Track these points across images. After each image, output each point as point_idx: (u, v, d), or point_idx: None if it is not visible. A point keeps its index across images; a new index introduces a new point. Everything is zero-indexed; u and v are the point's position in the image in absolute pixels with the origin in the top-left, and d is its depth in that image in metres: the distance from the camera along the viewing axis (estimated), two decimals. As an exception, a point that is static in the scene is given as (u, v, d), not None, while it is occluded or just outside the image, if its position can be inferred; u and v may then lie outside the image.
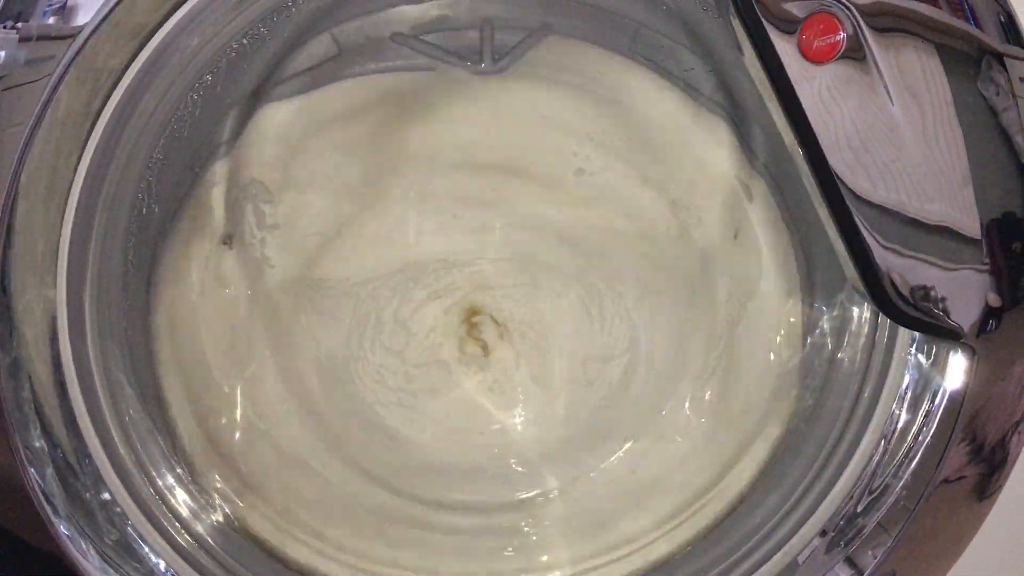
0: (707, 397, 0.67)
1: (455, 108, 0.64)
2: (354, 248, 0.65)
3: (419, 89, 0.63)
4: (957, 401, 0.56)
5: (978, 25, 0.52)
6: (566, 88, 0.64)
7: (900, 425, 0.59)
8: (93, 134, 0.52)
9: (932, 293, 0.53)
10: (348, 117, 0.62)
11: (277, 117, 0.61)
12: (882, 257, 0.52)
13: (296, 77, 0.61)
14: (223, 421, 0.63)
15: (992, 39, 0.52)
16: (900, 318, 0.54)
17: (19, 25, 0.49)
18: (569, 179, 0.65)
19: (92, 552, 0.53)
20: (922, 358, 0.58)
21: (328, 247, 0.65)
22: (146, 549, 0.57)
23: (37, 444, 0.52)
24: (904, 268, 0.52)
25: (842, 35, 0.49)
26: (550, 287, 0.66)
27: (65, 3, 0.49)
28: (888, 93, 0.50)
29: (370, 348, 0.66)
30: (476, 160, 0.65)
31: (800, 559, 0.60)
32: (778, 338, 0.65)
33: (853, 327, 0.63)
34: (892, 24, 0.50)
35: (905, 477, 0.58)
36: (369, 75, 0.62)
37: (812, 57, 0.49)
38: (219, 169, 0.61)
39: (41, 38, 0.49)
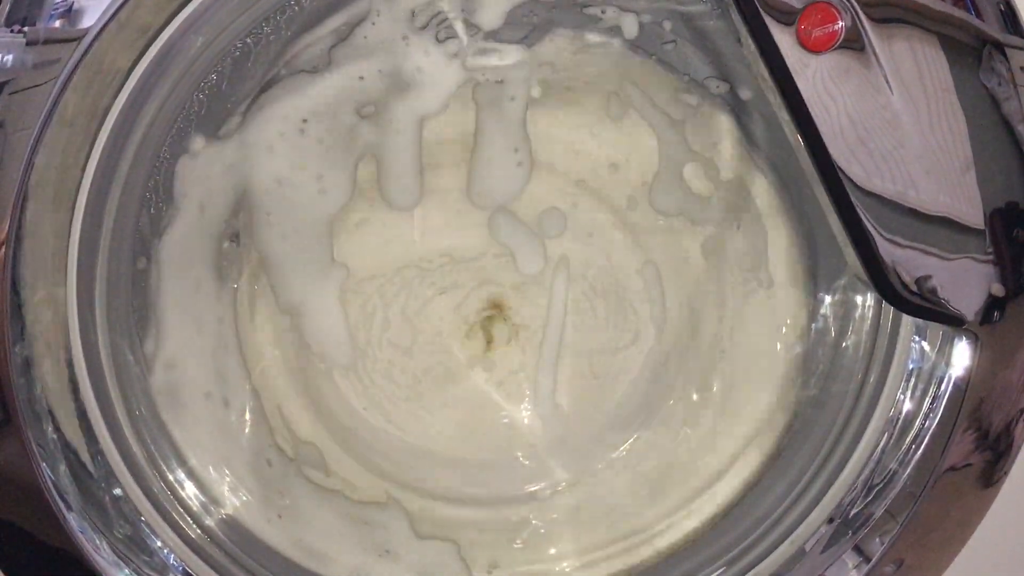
0: (714, 388, 0.67)
1: (459, 102, 0.64)
2: (359, 244, 0.65)
3: (424, 84, 0.63)
4: (961, 388, 0.56)
5: (978, 15, 0.52)
6: (568, 82, 0.64)
7: (905, 412, 0.59)
8: (100, 134, 0.53)
9: (934, 282, 0.53)
10: (352, 114, 0.63)
11: (281, 115, 0.61)
12: (884, 247, 0.52)
13: (301, 75, 0.61)
14: (232, 418, 0.63)
15: (992, 29, 0.52)
16: (903, 306, 0.54)
17: (26, 29, 0.50)
18: (572, 172, 0.66)
19: (105, 547, 0.54)
20: (926, 345, 0.58)
21: (333, 243, 0.65)
22: (158, 543, 0.58)
23: (49, 440, 0.53)
24: (905, 258, 0.53)
25: (840, 24, 0.49)
26: (555, 281, 0.67)
27: (71, 6, 0.50)
28: (888, 82, 0.51)
29: (377, 345, 0.66)
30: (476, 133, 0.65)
31: (807, 547, 0.60)
32: (783, 327, 0.65)
33: (857, 314, 0.63)
34: (891, 14, 0.50)
35: (911, 464, 0.58)
36: (374, 72, 0.62)
37: (811, 47, 0.49)
38: (225, 166, 0.62)
39: (48, 41, 0.49)
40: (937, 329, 0.58)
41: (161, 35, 0.52)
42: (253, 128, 0.60)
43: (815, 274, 0.64)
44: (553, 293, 0.67)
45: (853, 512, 0.59)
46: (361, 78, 0.61)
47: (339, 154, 0.62)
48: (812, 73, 0.50)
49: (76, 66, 0.49)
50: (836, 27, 0.49)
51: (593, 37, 0.62)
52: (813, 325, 0.65)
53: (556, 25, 0.62)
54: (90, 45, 0.49)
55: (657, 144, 0.64)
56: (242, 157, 0.61)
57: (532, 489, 0.68)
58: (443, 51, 0.61)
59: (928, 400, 0.58)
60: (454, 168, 0.65)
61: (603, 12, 0.62)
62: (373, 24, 0.60)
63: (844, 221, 0.52)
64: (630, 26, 0.62)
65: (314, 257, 0.64)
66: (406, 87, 0.62)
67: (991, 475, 0.58)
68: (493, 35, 0.61)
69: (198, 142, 0.59)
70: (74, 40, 0.49)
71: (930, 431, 0.57)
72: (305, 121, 0.61)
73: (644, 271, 0.67)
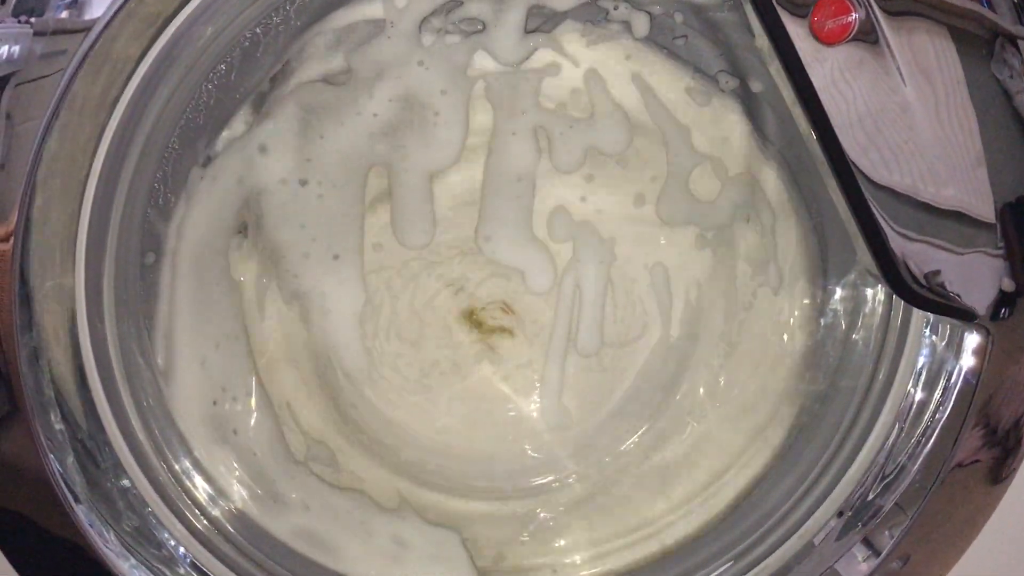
0: (721, 381, 0.67)
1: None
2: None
3: (434, 75, 0.63)
4: (972, 382, 0.56)
5: (991, 7, 0.51)
6: (578, 73, 0.64)
7: (915, 406, 0.59)
8: (109, 125, 0.53)
9: (945, 277, 0.53)
10: (361, 105, 0.62)
11: (289, 106, 0.61)
12: (895, 240, 0.52)
13: (310, 59, 0.61)
14: (239, 408, 0.63)
15: (1005, 21, 0.52)
16: (914, 300, 0.54)
17: (33, 19, 0.49)
18: (581, 166, 0.65)
19: (112, 538, 0.54)
20: (936, 339, 0.58)
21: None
22: (165, 534, 0.58)
23: (56, 431, 0.53)
24: (916, 252, 0.52)
25: (854, 16, 0.49)
26: (563, 275, 0.66)
27: (78, -4, 0.50)
28: (900, 75, 0.50)
29: (384, 338, 0.66)
30: (489, 147, 0.65)
31: (816, 540, 0.60)
32: (792, 320, 0.65)
33: (867, 308, 0.63)
34: (904, 7, 0.50)
35: (920, 458, 0.58)
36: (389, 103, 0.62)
37: (824, 39, 0.49)
38: (233, 158, 0.61)
39: (56, 32, 0.49)
40: (947, 323, 0.57)
41: (170, 25, 0.52)
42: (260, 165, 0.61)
43: (825, 268, 0.64)
44: (561, 286, 0.67)
45: (863, 505, 0.59)
46: (375, 115, 0.62)
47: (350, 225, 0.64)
48: (825, 65, 0.49)
49: (84, 57, 0.49)
50: (850, 19, 0.49)
51: (603, 31, 0.62)
52: (822, 319, 0.65)
53: (568, 19, 0.62)
54: (98, 35, 0.49)
55: (665, 156, 0.64)
56: (245, 185, 0.61)
57: (540, 482, 0.68)
58: (460, 90, 0.62)
59: (938, 394, 0.58)
60: (462, 161, 0.65)
61: (615, 7, 0.61)
62: (389, 38, 0.60)
63: (855, 214, 0.52)
64: (640, 25, 0.62)
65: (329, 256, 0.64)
66: (421, 134, 0.62)
67: (999, 472, 0.58)
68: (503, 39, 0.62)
69: (206, 158, 0.60)
70: (82, 30, 0.49)
71: (940, 425, 0.57)
72: (320, 183, 0.62)
73: (652, 265, 0.67)
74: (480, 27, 0.61)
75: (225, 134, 0.60)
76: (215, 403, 0.63)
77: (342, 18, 0.60)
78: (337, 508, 0.65)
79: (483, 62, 0.62)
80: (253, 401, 0.64)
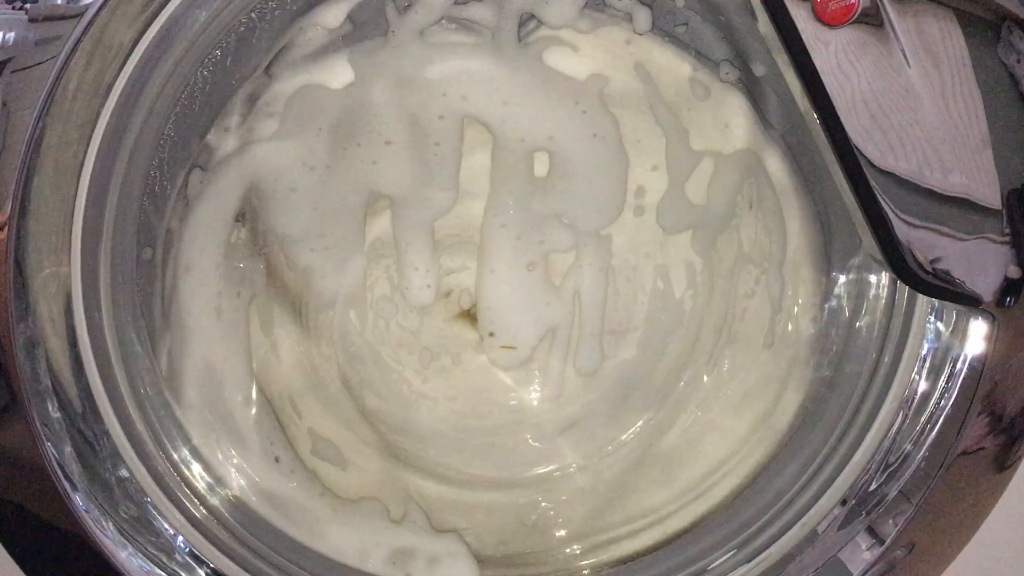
0: (725, 368, 0.67)
1: (471, 83, 0.63)
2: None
3: (437, 64, 0.62)
4: (977, 369, 0.56)
5: (998, -9, 0.51)
6: (581, 60, 0.63)
7: (920, 393, 0.59)
8: (104, 111, 0.53)
9: (950, 263, 0.53)
10: (359, 93, 0.62)
11: (287, 92, 0.61)
12: (899, 227, 0.52)
13: (307, 51, 0.61)
14: (239, 398, 0.63)
15: (1011, 4, 0.51)
16: (919, 286, 0.54)
17: (27, 5, 0.49)
18: (583, 155, 0.65)
19: (110, 527, 0.54)
20: (941, 326, 0.58)
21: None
22: (164, 523, 0.58)
23: (54, 420, 0.53)
24: (921, 238, 0.52)
25: (857, -3, 0.49)
26: (564, 262, 0.66)
27: (73, -18, 0.49)
28: (905, 57, 0.50)
29: (386, 327, 0.66)
30: (489, 136, 0.64)
31: (820, 529, 0.60)
32: (795, 307, 0.65)
33: (871, 294, 0.63)
34: (909, -12, 0.50)
35: (925, 445, 0.57)
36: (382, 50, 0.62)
37: (827, 20, 0.49)
38: (230, 145, 0.61)
39: (49, 18, 0.49)
40: (952, 310, 0.57)
41: (164, 10, 0.52)
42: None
43: (829, 254, 0.64)
44: (565, 277, 0.66)
45: (866, 493, 0.59)
46: (375, 163, 0.61)
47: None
48: (828, 48, 0.49)
49: (78, 43, 0.49)
50: (853, 0, 0.49)
51: (604, 17, 0.62)
52: (827, 305, 0.64)
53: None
54: (91, 21, 0.49)
55: (664, 159, 0.64)
56: (244, 184, 0.61)
57: (541, 471, 0.68)
58: (456, 117, 0.62)
59: (943, 381, 0.57)
60: (464, 148, 0.64)
61: None
62: (396, 47, 0.60)
63: (859, 200, 0.52)
64: (642, 20, 0.61)
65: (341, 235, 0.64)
66: (422, 172, 0.62)
67: (1005, 459, 0.58)
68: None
69: (205, 160, 0.60)
70: (75, 16, 0.49)
71: (945, 412, 0.57)
72: (320, 182, 0.62)
73: (654, 253, 0.66)
74: (487, 35, 0.61)
75: (223, 134, 0.60)
76: (215, 393, 0.62)
77: (337, 7, 0.59)
78: (335, 497, 0.65)
79: (481, 68, 0.62)
80: (253, 391, 0.64)
